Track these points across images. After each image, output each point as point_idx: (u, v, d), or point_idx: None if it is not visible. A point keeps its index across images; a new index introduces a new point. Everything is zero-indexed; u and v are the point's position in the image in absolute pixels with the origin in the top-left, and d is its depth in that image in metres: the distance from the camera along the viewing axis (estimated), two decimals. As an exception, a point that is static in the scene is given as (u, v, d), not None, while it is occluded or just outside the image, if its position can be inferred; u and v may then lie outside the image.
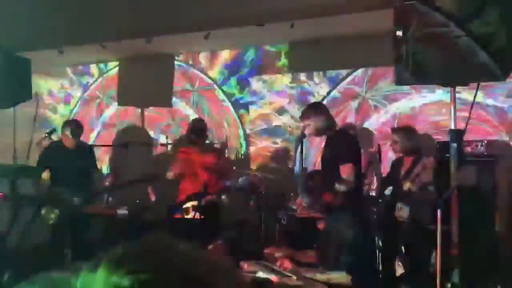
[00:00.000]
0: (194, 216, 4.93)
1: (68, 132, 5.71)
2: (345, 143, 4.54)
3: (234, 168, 6.21)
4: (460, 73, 3.40)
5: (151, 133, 7.57)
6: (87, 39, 6.29)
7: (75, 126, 5.82)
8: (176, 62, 7.36)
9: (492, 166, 4.72)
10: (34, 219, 5.45)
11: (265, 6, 5.31)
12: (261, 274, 3.27)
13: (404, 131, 5.14)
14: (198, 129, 5.61)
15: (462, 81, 3.52)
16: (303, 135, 5.13)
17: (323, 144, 4.79)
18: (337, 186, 4.41)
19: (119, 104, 7.66)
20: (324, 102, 6.25)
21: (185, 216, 5.23)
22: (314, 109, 4.67)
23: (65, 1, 6.03)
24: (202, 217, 4.99)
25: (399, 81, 3.64)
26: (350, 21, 5.22)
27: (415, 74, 3.44)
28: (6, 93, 5.80)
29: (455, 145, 3.43)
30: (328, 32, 5.79)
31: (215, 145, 6.42)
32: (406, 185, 4.94)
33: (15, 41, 6.07)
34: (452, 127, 3.50)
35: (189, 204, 5.21)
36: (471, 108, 3.44)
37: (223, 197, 5.52)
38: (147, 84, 7.26)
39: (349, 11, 4.86)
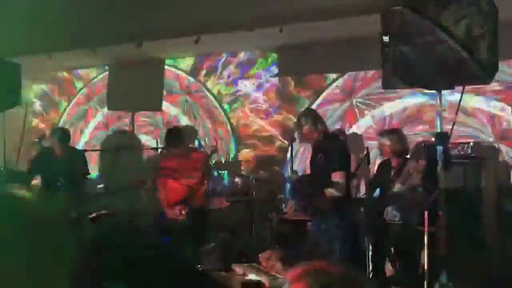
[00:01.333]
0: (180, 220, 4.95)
1: (56, 139, 5.77)
2: (335, 149, 4.59)
3: (213, 170, 6.17)
4: (446, 77, 3.47)
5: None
6: (77, 44, 6.29)
7: (61, 133, 5.93)
8: (166, 66, 7.40)
9: (478, 168, 4.80)
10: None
11: (255, 11, 5.36)
12: (252, 277, 3.30)
13: (392, 134, 5.21)
14: (172, 132, 5.61)
15: (448, 85, 3.59)
16: (293, 139, 5.19)
17: (312, 148, 4.84)
18: (328, 190, 4.45)
19: (109, 109, 7.67)
20: (314, 105, 6.32)
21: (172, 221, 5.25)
22: (307, 115, 4.71)
23: (55, 6, 6.03)
24: (189, 221, 5.01)
25: (387, 85, 3.71)
26: (338, 26, 5.28)
27: (402, 78, 3.51)
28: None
29: (441, 147, 3.50)
30: (317, 37, 5.86)
31: (205, 149, 6.42)
32: (395, 187, 5.01)
33: (4, 46, 6.06)
34: (438, 130, 3.57)
35: (175, 210, 5.23)
36: (457, 111, 3.52)
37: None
38: (137, 88, 7.27)
39: (337, 16, 4.92)
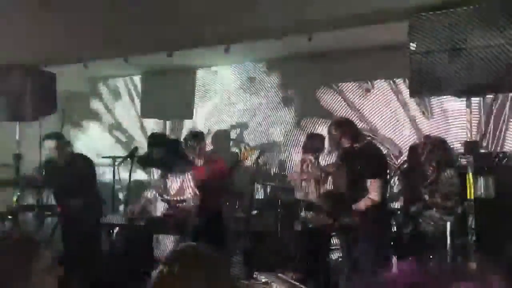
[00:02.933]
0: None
1: (51, 145, 5.53)
2: (373, 158, 4.49)
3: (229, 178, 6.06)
4: (477, 84, 3.38)
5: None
6: (110, 53, 6.41)
7: (54, 137, 5.60)
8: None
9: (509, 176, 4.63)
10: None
11: (285, 19, 5.34)
12: (275, 286, 3.28)
13: (429, 142, 5.05)
14: (193, 134, 5.67)
15: (478, 93, 3.50)
16: (319, 149, 5.14)
17: (342, 156, 4.75)
18: (363, 202, 4.35)
19: (141, 116, 7.81)
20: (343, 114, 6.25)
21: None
22: (339, 124, 4.64)
23: (90, 16, 6.17)
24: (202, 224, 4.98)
25: (414, 93, 3.65)
26: (367, 33, 5.21)
27: (429, 86, 3.45)
28: (31, 107, 5.99)
29: (470, 156, 3.41)
30: (344, 45, 5.81)
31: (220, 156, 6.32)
32: (429, 197, 4.87)
33: (41, 56, 6.24)
34: (468, 138, 3.48)
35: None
36: (487, 120, 3.42)
37: None
38: (169, 97, 7.38)
39: (365, 23, 4.85)
